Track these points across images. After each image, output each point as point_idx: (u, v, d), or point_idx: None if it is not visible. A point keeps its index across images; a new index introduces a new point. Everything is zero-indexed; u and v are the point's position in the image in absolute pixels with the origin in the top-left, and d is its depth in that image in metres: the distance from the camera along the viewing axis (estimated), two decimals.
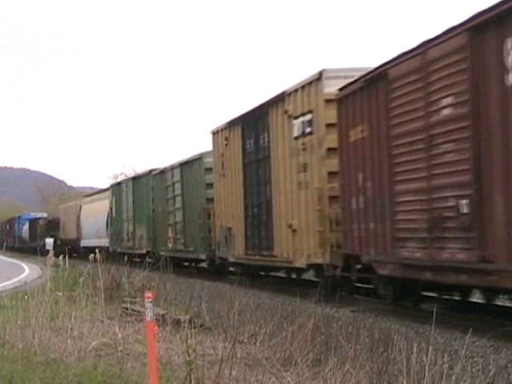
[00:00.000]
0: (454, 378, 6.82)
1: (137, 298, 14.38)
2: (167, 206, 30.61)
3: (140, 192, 35.42)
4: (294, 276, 20.74)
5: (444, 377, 6.72)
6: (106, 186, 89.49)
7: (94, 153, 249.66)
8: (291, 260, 18.34)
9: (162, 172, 31.71)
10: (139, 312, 12.30)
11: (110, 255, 24.07)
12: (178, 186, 29.13)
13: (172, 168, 30.21)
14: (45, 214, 72.87)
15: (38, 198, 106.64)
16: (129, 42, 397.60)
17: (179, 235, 28.99)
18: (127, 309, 13.66)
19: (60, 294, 12.83)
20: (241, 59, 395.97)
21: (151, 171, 33.83)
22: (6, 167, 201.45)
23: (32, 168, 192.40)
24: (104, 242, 38.27)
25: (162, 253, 29.77)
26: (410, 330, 11.54)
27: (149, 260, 29.37)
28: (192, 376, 7.26)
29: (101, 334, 10.36)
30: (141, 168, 78.17)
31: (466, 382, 7.26)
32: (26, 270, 33.48)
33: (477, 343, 10.41)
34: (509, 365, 9.17)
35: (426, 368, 6.70)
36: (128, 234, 37.65)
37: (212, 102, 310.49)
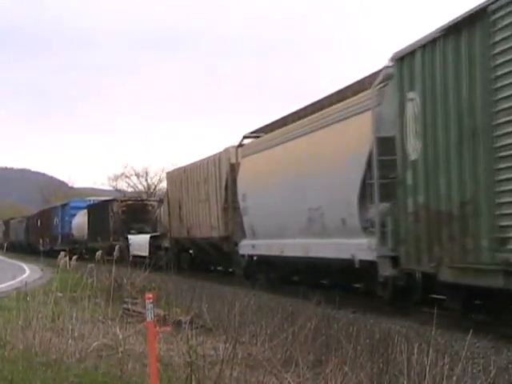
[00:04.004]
0: (454, 379, 6.83)
1: (138, 299, 14.39)
2: None
3: None
4: None
5: (445, 378, 6.72)
6: (107, 187, 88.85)
7: (95, 154, 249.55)
8: None
9: None
10: (140, 313, 12.32)
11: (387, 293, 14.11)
12: None
13: None
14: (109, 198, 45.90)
15: (39, 198, 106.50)
16: (128, 44, 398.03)
17: None
18: (128, 310, 13.69)
19: (61, 294, 12.83)
20: (239, 61, 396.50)
21: None
22: (6, 168, 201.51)
23: (33, 169, 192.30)
24: (354, 246, 14.70)
25: None
26: (410, 331, 11.53)
27: None
28: (193, 377, 7.27)
29: (102, 335, 10.36)
30: (141, 168, 78.12)
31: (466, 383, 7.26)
32: (27, 271, 33.40)
33: (477, 344, 10.41)
34: (510, 366, 9.18)
35: (427, 369, 6.71)
36: None
37: (211, 103, 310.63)
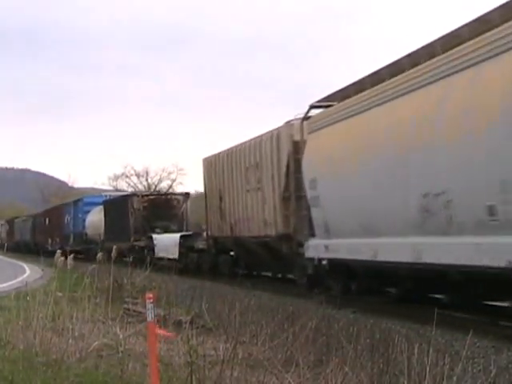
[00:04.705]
0: (454, 378, 6.83)
1: (138, 299, 14.39)
2: None
3: None
4: None
5: (445, 378, 6.73)
6: (107, 187, 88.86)
7: (95, 154, 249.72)
8: None
9: None
10: (140, 313, 12.32)
11: None
12: None
13: None
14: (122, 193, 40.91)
15: (39, 198, 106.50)
16: (128, 44, 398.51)
17: None
18: (128, 309, 13.70)
19: (61, 294, 12.83)
20: (239, 61, 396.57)
21: None
22: (7, 168, 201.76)
23: (33, 168, 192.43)
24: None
25: None
26: (410, 331, 11.53)
27: None
28: (193, 377, 7.26)
29: (102, 335, 10.36)
30: (141, 168, 78.06)
31: (466, 383, 7.26)
32: (27, 271, 33.37)
33: (478, 344, 10.41)
34: (510, 365, 9.18)
35: (427, 369, 6.71)
36: None
37: (211, 103, 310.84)
